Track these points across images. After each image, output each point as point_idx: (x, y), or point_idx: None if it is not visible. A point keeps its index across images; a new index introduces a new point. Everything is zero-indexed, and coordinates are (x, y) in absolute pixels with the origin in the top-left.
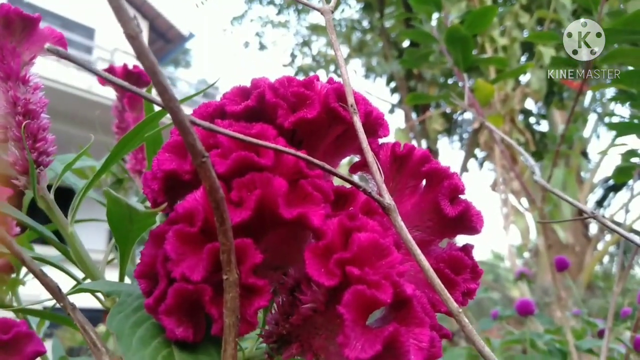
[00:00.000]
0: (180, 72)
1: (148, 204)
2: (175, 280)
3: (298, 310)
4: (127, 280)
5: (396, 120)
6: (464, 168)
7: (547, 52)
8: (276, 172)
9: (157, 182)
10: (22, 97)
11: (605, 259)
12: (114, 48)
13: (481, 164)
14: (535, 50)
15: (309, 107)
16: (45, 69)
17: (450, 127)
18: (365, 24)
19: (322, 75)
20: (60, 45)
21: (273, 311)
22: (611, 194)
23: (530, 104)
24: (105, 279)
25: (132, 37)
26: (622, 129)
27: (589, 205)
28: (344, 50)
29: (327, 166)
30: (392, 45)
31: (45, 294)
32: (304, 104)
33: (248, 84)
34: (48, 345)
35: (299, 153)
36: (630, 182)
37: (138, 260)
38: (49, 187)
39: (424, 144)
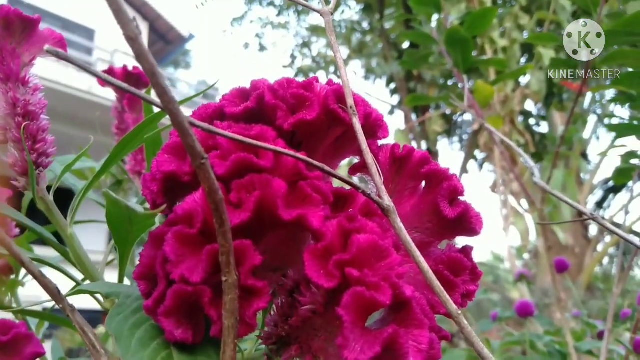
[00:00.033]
0: (180, 73)
1: (147, 205)
2: (175, 282)
3: (297, 312)
4: (126, 281)
5: (396, 122)
6: (464, 169)
7: (547, 54)
8: (275, 174)
9: (156, 183)
10: (22, 99)
11: (605, 260)
12: (114, 49)
13: (481, 166)
14: (535, 52)
15: (308, 109)
16: (45, 69)
17: (450, 128)
18: (365, 25)
19: (322, 77)
20: (60, 47)
21: (272, 313)
22: (611, 196)
23: (530, 106)
24: (104, 281)
25: (132, 39)
26: (622, 130)
27: (589, 206)
28: (344, 52)
29: (327, 168)
30: (392, 47)
31: (44, 295)
32: (304, 105)
33: (248, 86)
34: (47, 346)
35: (299, 155)
36: (630, 183)
37: (137, 262)
38: (49, 189)
39: (423, 145)
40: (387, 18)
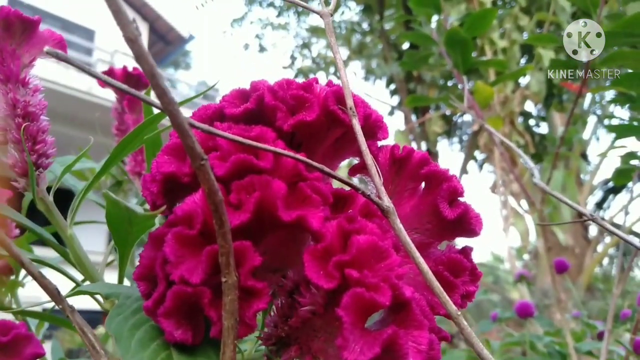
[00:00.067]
0: (180, 74)
1: (147, 206)
2: (174, 283)
3: (297, 313)
4: (126, 282)
5: (396, 123)
6: (464, 170)
7: (547, 55)
8: (275, 175)
9: (156, 184)
10: (22, 100)
11: (605, 261)
12: (114, 50)
13: (481, 166)
14: (534, 53)
15: (308, 110)
16: (45, 70)
17: (450, 129)
18: (365, 26)
19: (322, 78)
20: (60, 48)
21: (272, 313)
22: (611, 196)
23: (529, 106)
24: (104, 281)
25: (132, 41)
26: (622, 131)
27: (589, 207)
28: (344, 53)
29: (326, 169)
30: (392, 48)
31: (44, 296)
32: (303, 106)
33: (247, 87)
34: (47, 347)
35: (298, 156)
36: (630, 184)
37: (137, 263)
38: (49, 189)
39: (423, 146)
40: (387, 19)
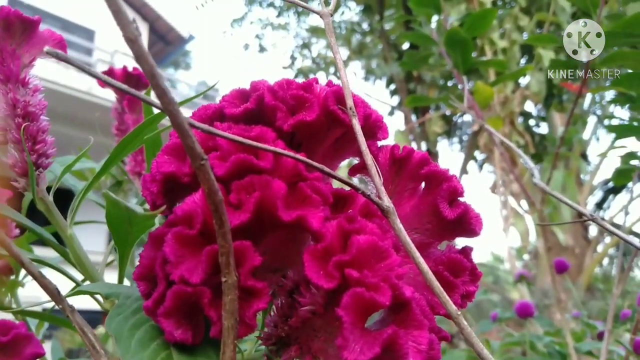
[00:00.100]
0: (180, 74)
1: (147, 206)
2: (174, 283)
3: (297, 313)
4: (126, 282)
5: (396, 123)
6: (464, 170)
7: (547, 55)
8: (275, 175)
9: (156, 184)
10: (22, 100)
11: (605, 261)
12: (114, 50)
13: (481, 166)
14: (534, 53)
15: (308, 110)
16: (45, 70)
17: (450, 129)
18: (365, 26)
19: (322, 78)
20: (60, 48)
21: (272, 313)
22: (611, 197)
23: (529, 107)
24: (104, 281)
25: (131, 41)
26: (622, 131)
27: (589, 207)
28: (344, 53)
29: (326, 169)
30: (392, 48)
31: (44, 296)
32: (303, 106)
33: (247, 87)
34: (47, 347)
35: (298, 155)
36: (630, 184)
37: (137, 263)
38: (49, 189)
39: (423, 146)
40: (387, 19)
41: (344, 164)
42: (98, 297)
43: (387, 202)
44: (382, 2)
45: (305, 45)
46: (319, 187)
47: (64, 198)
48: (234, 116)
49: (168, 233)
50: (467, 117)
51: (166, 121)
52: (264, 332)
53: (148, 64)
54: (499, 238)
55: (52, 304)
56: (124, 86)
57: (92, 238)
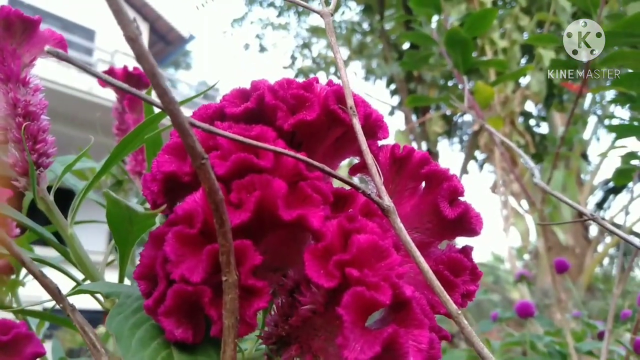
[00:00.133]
0: (180, 74)
1: (148, 205)
2: (175, 282)
3: (297, 312)
4: (126, 281)
5: (396, 123)
6: (464, 170)
7: (547, 55)
8: (276, 174)
9: (156, 183)
10: (22, 99)
11: (605, 261)
12: (114, 50)
13: (481, 166)
14: (535, 53)
15: (308, 109)
16: (46, 70)
17: (450, 129)
18: (365, 26)
19: (322, 78)
20: (60, 47)
21: (272, 312)
22: (611, 196)
23: (530, 106)
24: (104, 280)
25: (132, 40)
26: (622, 131)
27: (589, 207)
28: (344, 53)
29: (327, 168)
30: (392, 48)
31: (45, 295)
32: (304, 106)
33: (248, 86)
34: (47, 346)
35: (299, 155)
36: (630, 184)
37: (137, 262)
38: (49, 189)
39: (424, 146)
40: (387, 19)
41: (345, 163)
42: (99, 296)
43: (387, 201)
44: (382, 2)
45: (306, 45)
46: (320, 187)
47: (64, 197)
48: (234, 115)
49: (169, 232)
50: (468, 117)
51: (167, 121)
52: (265, 331)
53: (149, 63)
54: (499, 238)
55: (53, 303)
56: (125, 85)
57: (93, 237)
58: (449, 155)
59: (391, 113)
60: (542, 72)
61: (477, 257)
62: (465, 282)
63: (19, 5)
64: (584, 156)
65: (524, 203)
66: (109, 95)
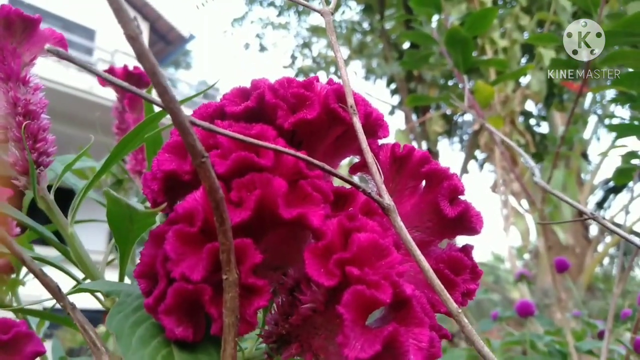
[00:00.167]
0: (180, 73)
1: (148, 204)
2: (175, 280)
3: (297, 310)
4: (127, 280)
5: (396, 122)
6: (464, 169)
7: (547, 54)
8: (276, 173)
9: (157, 182)
10: (23, 98)
11: (606, 260)
12: (114, 49)
13: (481, 166)
14: (535, 52)
15: (308, 108)
16: (46, 69)
17: (451, 128)
18: (365, 25)
19: (323, 77)
20: (60, 47)
21: (273, 311)
22: (611, 196)
23: (530, 106)
24: (105, 279)
25: (133, 39)
26: (622, 130)
27: (589, 206)
28: (344, 52)
29: (327, 167)
30: (393, 47)
31: (45, 294)
32: (304, 105)
33: (248, 85)
34: (48, 345)
35: (299, 154)
36: (631, 183)
37: (138, 260)
38: (49, 188)
39: (424, 145)
40: (388, 18)
41: (345, 162)
42: (99, 295)
43: (387, 200)
44: (382, 2)
45: (306, 45)
46: (320, 185)
47: (64, 197)
48: (234, 114)
49: (169, 231)
50: (468, 117)
51: (167, 120)
52: (265, 330)
53: (149, 62)
54: (499, 237)
55: (53, 302)
56: (125, 84)
57: (93, 237)
58: (449, 155)
59: (391, 112)
60: (543, 72)
61: (477, 256)
62: (465, 280)
63: (19, 4)
64: (584, 155)
65: (524, 202)
66: (109, 95)
